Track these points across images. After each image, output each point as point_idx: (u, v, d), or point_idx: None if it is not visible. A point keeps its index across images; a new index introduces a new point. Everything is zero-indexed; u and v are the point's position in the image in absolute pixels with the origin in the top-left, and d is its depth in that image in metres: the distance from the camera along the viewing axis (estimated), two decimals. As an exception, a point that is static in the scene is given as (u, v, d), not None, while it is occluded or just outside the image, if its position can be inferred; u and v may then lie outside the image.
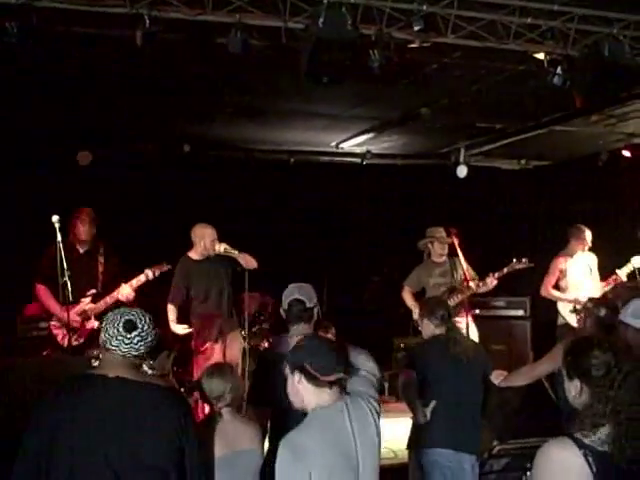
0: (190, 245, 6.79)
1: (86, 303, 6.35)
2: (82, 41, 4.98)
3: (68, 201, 6.66)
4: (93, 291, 6.39)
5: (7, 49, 4.53)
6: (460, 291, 7.29)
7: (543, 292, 7.94)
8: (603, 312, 4.63)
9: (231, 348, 6.72)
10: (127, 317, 3.02)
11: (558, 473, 2.50)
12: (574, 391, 2.67)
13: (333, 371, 2.96)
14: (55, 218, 5.85)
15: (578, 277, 7.84)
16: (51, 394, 3.03)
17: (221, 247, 6.56)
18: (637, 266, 7.44)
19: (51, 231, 5.76)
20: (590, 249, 7.93)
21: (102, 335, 3.01)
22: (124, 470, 2.87)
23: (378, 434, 3.04)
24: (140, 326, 3.01)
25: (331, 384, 2.96)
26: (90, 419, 2.90)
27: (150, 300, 6.11)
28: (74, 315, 6.16)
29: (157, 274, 6.50)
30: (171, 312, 6.65)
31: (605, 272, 7.79)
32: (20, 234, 7.64)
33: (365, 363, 3.31)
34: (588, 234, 7.82)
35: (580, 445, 2.49)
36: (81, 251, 6.48)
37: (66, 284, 5.79)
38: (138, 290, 6.45)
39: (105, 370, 3.00)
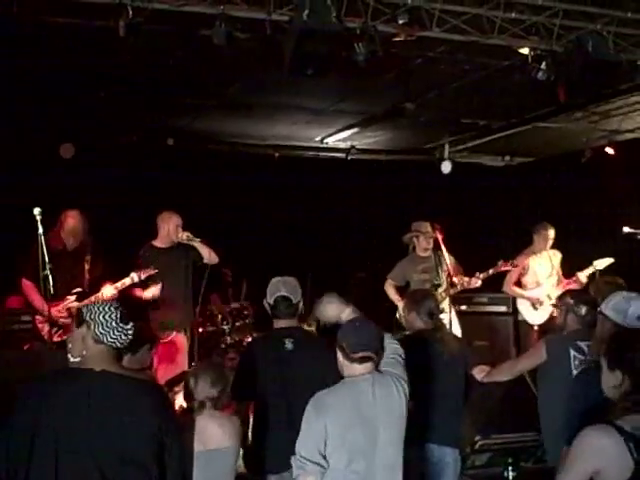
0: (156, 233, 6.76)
1: (71, 301, 6.30)
2: (65, 32, 4.94)
3: (51, 194, 6.60)
4: (79, 289, 6.35)
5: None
6: (445, 289, 7.29)
7: (505, 288, 8.01)
8: (584, 310, 4.64)
9: (182, 345, 6.67)
10: (120, 309, 3.02)
11: (598, 458, 2.52)
12: (615, 382, 2.74)
13: (361, 350, 3.37)
14: (37, 211, 5.78)
15: (539, 274, 7.91)
16: (34, 387, 3.00)
17: (184, 235, 6.56)
18: (598, 268, 7.49)
19: (33, 224, 5.70)
20: (563, 247, 7.98)
21: (94, 330, 2.96)
22: (108, 464, 2.86)
23: (402, 406, 3.42)
24: (128, 317, 3.04)
25: (361, 360, 3.37)
26: (75, 413, 2.87)
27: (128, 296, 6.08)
28: (59, 312, 6.12)
29: (143, 277, 6.46)
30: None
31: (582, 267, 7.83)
32: (1, 227, 7.57)
33: (391, 346, 3.62)
34: (551, 232, 7.84)
35: (621, 432, 2.51)
36: (69, 249, 6.43)
37: (47, 277, 5.74)
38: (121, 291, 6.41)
39: (91, 364, 2.97)
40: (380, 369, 3.46)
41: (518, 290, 7.98)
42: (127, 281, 6.38)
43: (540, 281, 7.89)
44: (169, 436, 2.96)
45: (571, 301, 4.74)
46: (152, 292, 6.53)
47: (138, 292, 6.52)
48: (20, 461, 2.83)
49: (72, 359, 3.04)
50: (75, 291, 6.30)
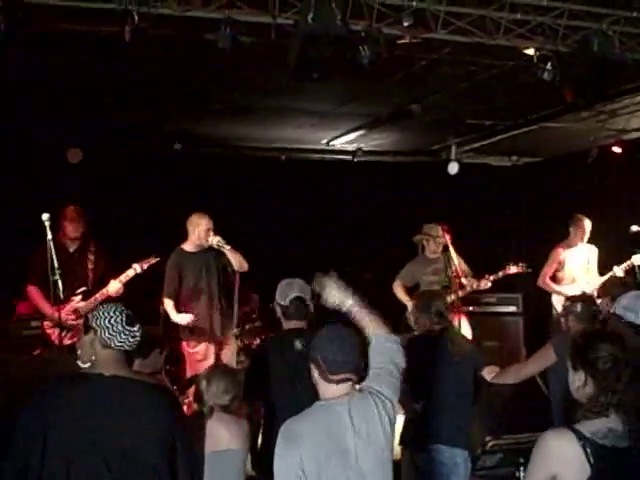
0: (183, 238, 6.65)
1: (77, 301, 6.33)
2: (70, 38, 4.95)
3: (58, 199, 6.62)
4: (84, 289, 6.37)
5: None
6: (454, 291, 7.28)
7: (540, 282, 7.93)
8: (579, 307, 4.65)
9: (226, 350, 6.67)
10: (126, 312, 3.04)
11: (555, 463, 2.50)
12: (578, 382, 2.68)
13: (341, 370, 2.99)
14: (45, 216, 5.82)
15: (575, 269, 7.85)
16: (45, 391, 3.02)
17: (215, 239, 6.40)
18: (637, 263, 7.42)
19: (42, 230, 5.72)
20: (590, 241, 7.94)
21: (101, 335, 2.98)
22: (118, 467, 2.88)
23: (385, 431, 3.00)
24: (135, 318, 3.06)
25: (339, 381, 3.00)
26: (87, 417, 2.90)
27: (139, 298, 6.08)
28: (67, 314, 6.14)
29: (145, 267, 6.45)
30: (169, 305, 6.48)
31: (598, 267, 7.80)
32: (10, 233, 7.60)
33: (384, 352, 3.19)
34: (587, 223, 7.82)
35: (579, 437, 2.49)
36: (71, 250, 6.45)
37: (57, 283, 5.76)
38: (127, 285, 6.42)
39: (100, 369, 2.99)
40: (362, 385, 3.08)
41: (553, 285, 7.88)
42: (130, 273, 6.41)
43: (576, 277, 7.81)
44: (179, 438, 2.98)
45: (567, 303, 4.77)
46: (186, 319, 6.43)
47: (172, 317, 6.45)
48: (32, 463, 2.85)
49: (82, 365, 3.05)
50: (80, 290, 6.32)
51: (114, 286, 6.35)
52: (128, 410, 2.93)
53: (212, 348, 6.55)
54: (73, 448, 2.87)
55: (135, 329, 3.03)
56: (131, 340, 3.01)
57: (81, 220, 6.44)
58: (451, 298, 7.20)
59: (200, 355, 6.46)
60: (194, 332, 6.50)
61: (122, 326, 2.99)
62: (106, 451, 2.87)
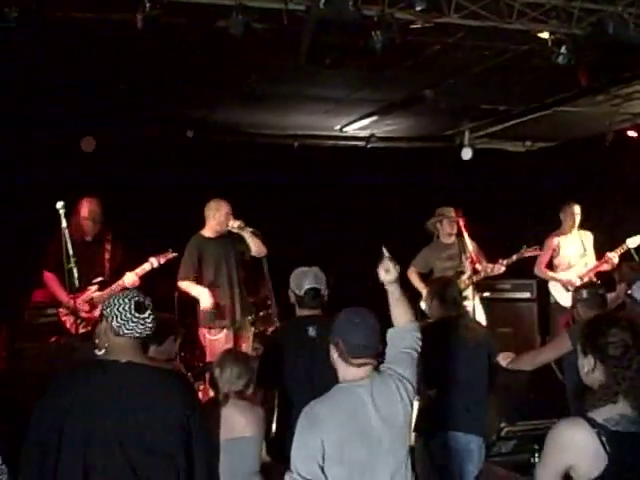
0: (199, 225, 6.62)
1: (93, 291, 6.35)
2: (83, 25, 4.95)
3: (72, 187, 6.64)
4: (100, 279, 6.39)
5: (7, 34, 4.50)
6: (468, 277, 7.26)
7: (536, 270, 7.99)
8: (585, 293, 4.63)
9: (242, 337, 6.68)
10: (135, 299, 3.04)
11: (569, 453, 2.48)
12: (587, 367, 2.65)
13: (362, 354, 3.07)
14: (60, 204, 5.84)
15: (571, 255, 7.85)
16: (62, 378, 3.05)
17: (235, 223, 6.37)
18: (631, 246, 7.40)
19: (57, 218, 5.74)
20: (590, 228, 7.92)
21: (111, 323, 3.00)
22: (135, 454, 2.90)
23: (405, 412, 3.09)
24: (147, 305, 3.05)
25: (360, 364, 3.07)
26: (104, 403, 2.92)
27: (154, 285, 6.09)
28: (82, 303, 6.17)
29: (162, 262, 6.44)
30: (187, 286, 6.43)
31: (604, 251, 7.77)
32: (25, 221, 7.64)
33: (406, 338, 3.26)
34: (577, 208, 7.83)
35: (593, 424, 2.47)
36: (88, 239, 6.46)
37: (72, 271, 5.79)
38: (143, 278, 6.43)
39: (116, 356, 3.00)
40: (381, 367, 3.17)
41: (549, 272, 7.94)
42: (147, 266, 6.39)
43: (571, 262, 7.83)
44: (194, 425, 3.00)
45: (574, 293, 4.76)
46: (206, 294, 6.35)
47: (193, 292, 6.42)
48: (50, 449, 2.88)
49: (98, 352, 3.07)
50: (96, 280, 6.35)
51: (130, 278, 6.36)
52: (144, 396, 2.95)
53: (231, 335, 6.54)
54: (90, 434, 2.89)
55: (145, 315, 3.02)
56: (140, 327, 3.01)
57: (99, 210, 6.44)
58: (465, 284, 7.20)
59: (221, 343, 6.43)
60: (215, 319, 6.46)
61: (130, 313, 3.00)
62: (122, 437, 2.89)
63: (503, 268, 7.38)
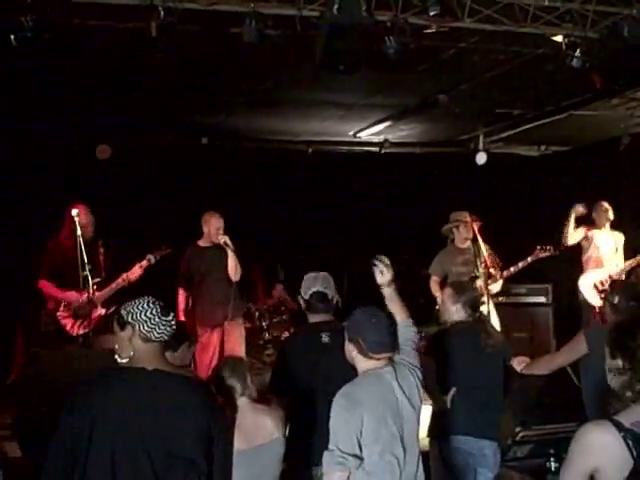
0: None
1: (92, 292, 6.39)
2: (98, 33, 4.99)
3: (87, 193, 6.69)
4: (97, 279, 6.44)
5: (23, 43, 4.54)
6: (483, 281, 7.23)
7: (566, 240, 7.92)
8: (616, 298, 4.58)
9: (229, 337, 6.79)
10: (159, 303, 3.05)
11: (596, 456, 2.46)
12: (615, 371, 2.64)
13: (383, 349, 3.39)
14: (74, 212, 5.89)
15: (603, 253, 7.81)
16: (89, 386, 3.02)
17: (222, 239, 6.70)
18: None
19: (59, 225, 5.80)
20: (619, 229, 7.90)
21: (140, 329, 2.99)
22: (160, 461, 2.90)
23: (420, 398, 3.46)
24: (167, 307, 3.08)
25: (378, 358, 3.38)
26: (132, 411, 2.92)
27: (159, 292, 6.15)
28: (81, 297, 6.23)
29: (158, 257, 6.59)
30: (181, 295, 6.87)
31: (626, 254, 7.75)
32: (43, 228, 7.68)
33: (405, 332, 3.58)
34: (606, 204, 7.84)
35: (620, 428, 2.45)
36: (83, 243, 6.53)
37: (87, 278, 5.87)
38: (147, 279, 6.52)
39: (142, 363, 3.00)
40: (395, 358, 3.47)
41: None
42: (144, 263, 6.55)
43: (603, 261, 7.82)
44: (217, 433, 3.00)
45: (608, 290, 4.70)
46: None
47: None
48: (78, 455, 2.88)
49: (120, 360, 3.06)
50: (95, 281, 6.38)
51: (134, 273, 6.47)
52: (170, 403, 2.95)
53: (215, 336, 6.75)
54: (118, 441, 2.89)
55: (170, 318, 3.05)
56: (169, 330, 3.03)
57: (92, 216, 6.51)
58: (480, 289, 7.16)
59: (202, 344, 6.58)
60: (202, 321, 6.78)
61: (159, 317, 3.00)
62: (149, 444, 2.89)
63: (517, 270, 7.40)
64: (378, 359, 3.38)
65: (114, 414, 2.91)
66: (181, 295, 6.88)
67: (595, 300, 7.71)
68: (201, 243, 6.95)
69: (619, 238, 7.90)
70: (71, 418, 2.93)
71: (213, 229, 6.78)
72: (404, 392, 3.37)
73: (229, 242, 6.68)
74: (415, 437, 3.43)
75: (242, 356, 6.31)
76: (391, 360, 3.43)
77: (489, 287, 7.24)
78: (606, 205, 7.85)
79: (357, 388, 3.34)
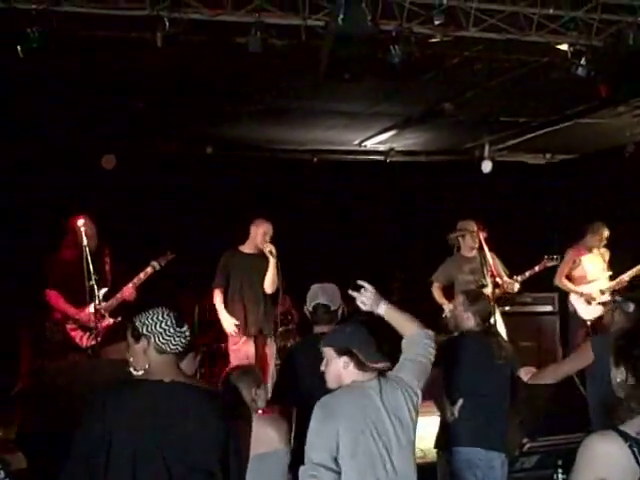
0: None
1: (98, 302, 6.39)
2: (103, 44, 5.00)
3: (92, 203, 6.69)
4: (104, 290, 6.44)
5: (29, 54, 4.55)
6: (490, 290, 7.20)
7: (556, 281, 7.99)
8: (632, 307, 4.55)
9: (263, 352, 6.77)
10: (173, 314, 3.03)
11: (602, 466, 2.44)
12: (620, 379, 2.63)
13: (380, 359, 3.30)
14: (81, 222, 5.90)
15: (589, 272, 7.91)
16: (107, 395, 3.00)
17: (268, 247, 6.62)
18: None
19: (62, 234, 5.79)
20: (612, 240, 7.94)
21: (155, 341, 2.97)
22: (179, 470, 2.90)
23: (411, 418, 3.30)
24: (182, 318, 3.07)
25: (373, 369, 3.28)
26: (150, 422, 2.91)
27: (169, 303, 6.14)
28: (89, 314, 6.23)
29: (163, 264, 6.56)
30: (218, 299, 6.74)
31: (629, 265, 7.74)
32: (51, 238, 7.69)
33: (415, 345, 3.46)
34: (606, 232, 7.86)
35: (626, 438, 2.43)
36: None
37: (93, 288, 5.88)
38: (155, 289, 6.53)
39: (158, 375, 2.99)
40: (387, 374, 3.36)
41: (569, 284, 7.94)
42: (149, 270, 6.53)
43: (588, 278, 7.85)
44: (232, 444, 2.98)
45: (619, 298, 4.66)
46: (230, 323, 6.67)
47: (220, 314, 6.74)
48: (98, 464, 2.87)
49: (135, 372, 3.03)
50: (102, 292, 6.39)
51: (140, 280, 6.49)
52: (187, 414, 2.94)
53: (249, 347, 6.71)
54: (137, 453, 2.88)
55: (184, 329, 3.02)
56: (184, 341, 3.01)
57: (95, 226, 6.51)
58: (488, 298, 7.13)
59: (242, 352, 6.60)
60: (238, 329, 6.71)
61: (174, 329, 2.99)
62: (168, 457, 2.88)
63: (517, 285, 7.38)
64: (374, 369, 3.29)
65: (133, 426, 2.90)
66: (218, 296, 6.73)
67: (586, 313, 7.76)
68: (243, 249, 6.86)
69: (604, 253, 7.96)
70: (89, 429, 2.92)
71: (261, 233, 6.69)
72: (387, 409, 3.24)
73: (274, 251, 6.59)
74: (405, 456, 3.26)
75: (268, 370, 6.37)
76: (381, 374, 3.33)
77: (507, 290, 7.27)
78: (605, 232, 7.87)
79: (334, 399, 3.25)
